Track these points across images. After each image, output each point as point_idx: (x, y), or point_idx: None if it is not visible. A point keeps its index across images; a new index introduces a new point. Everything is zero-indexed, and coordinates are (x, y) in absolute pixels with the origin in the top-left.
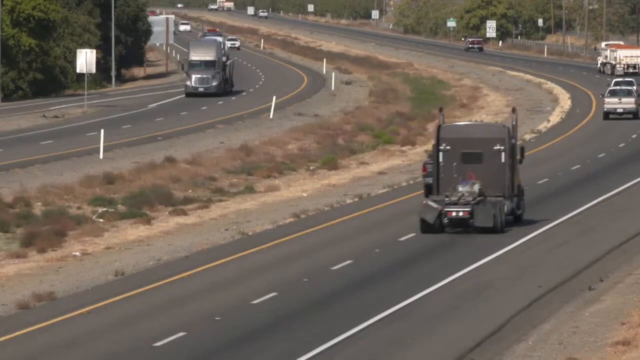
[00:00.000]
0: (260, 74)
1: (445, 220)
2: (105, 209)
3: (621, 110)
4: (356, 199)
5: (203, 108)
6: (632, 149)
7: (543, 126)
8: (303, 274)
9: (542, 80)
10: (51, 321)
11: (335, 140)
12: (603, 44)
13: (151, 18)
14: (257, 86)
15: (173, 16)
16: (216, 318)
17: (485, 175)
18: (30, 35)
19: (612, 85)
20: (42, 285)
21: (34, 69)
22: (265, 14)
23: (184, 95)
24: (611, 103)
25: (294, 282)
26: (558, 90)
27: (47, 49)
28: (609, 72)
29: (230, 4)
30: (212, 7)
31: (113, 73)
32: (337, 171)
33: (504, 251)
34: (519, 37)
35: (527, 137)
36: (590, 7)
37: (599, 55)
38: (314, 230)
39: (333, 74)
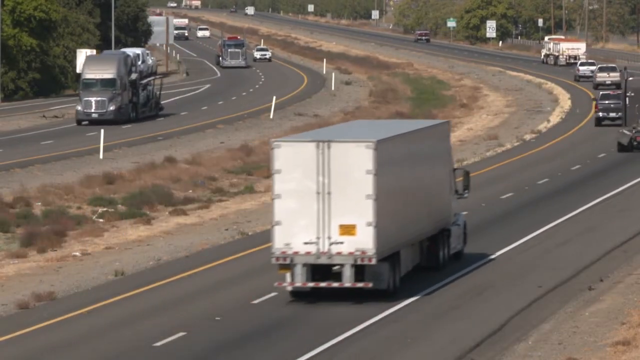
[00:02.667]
0: (260, 74)
1: (635, 143)
2: (105, 209)
3: (609, 82)
4: None
5: (203, 108)
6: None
7: (543, 126)
8: None
9: (542, 81)
10: (51, 321)
11: None
12: (546, 38)
13: (151, 18)
14: (257, 86)
15: (186, 20)
16: (216, 318)
17: None
18: (30, 35)
19: (578, 67)
20: (42, 285)
21: (33, 68)
22: (252, 11)
23: (183, 95)
24: (602, 77)
25: None
26: (558, 90)
27: (47, 49)
28: (552, 62)
29: (198, 3)
30: (172, 4)
31: None
32: None
33: (504, 251)
34: (519, 37)
35: (527, 137)
36: (590, 7)
37: (543, 47)
38: None
39: (333, 74)
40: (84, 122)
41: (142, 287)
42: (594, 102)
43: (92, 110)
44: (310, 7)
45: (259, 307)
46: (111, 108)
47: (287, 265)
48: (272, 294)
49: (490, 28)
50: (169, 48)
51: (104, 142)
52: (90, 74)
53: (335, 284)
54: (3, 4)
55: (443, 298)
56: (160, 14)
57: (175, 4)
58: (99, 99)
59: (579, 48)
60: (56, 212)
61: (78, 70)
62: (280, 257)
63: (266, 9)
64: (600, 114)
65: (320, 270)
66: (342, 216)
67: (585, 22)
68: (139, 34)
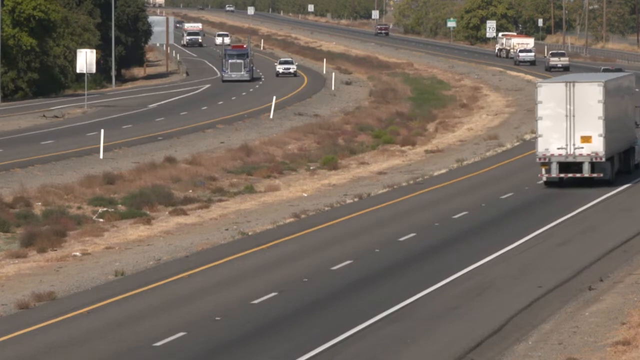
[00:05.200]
0: (261, 74)
1: None
2: (105, 209)
3: (560, 65)
4: (356, 199)
5: (203, 108)
6: None
7: None
8: (303, 274)
9: None
10: (51, 321)
11: (335, 140)
12: (500, 34)
13: (151, 18)
14: (257, 86)
15: (200, 25)
16: (216, 318)
17: None
18: (30, 35)
19: (518, 53)
20: (42, 285)
21: (33, 68)
22: (232, 8)
23: (183, 95)
24: (554, 61)
25: (294, 282)
26: None
27: (46, 49)
28: (504, 55)
29: (162, 0)
30: None
31: (113, 73)
32: (337, 171)
33: (504, 251)
34: None
35: (527, 137)
36: (590, 7)
37: (497, 43)
38: (314, 230)
39: (333, 74)
40: None
41: (142, 287)
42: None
43: None
44: (310, 7)
45: (259, 307)
46: None
47: (546, 163)
48: (272, 294)
49: (490, 28)
50: (169, 48)
51: (104, 142)
52: None
53: (578, 175)
54: (3, 3)
55: (443, 298)
56: (161, 14)
57: None
58: None
59: (527, 43)
60: (56, 212)
61: (78, 71)
62: (542, 157)
63: (266, 9)
64: None
65: (565, 167)
66: (582, 130)
67: (585, 22)
68: (139, 34)
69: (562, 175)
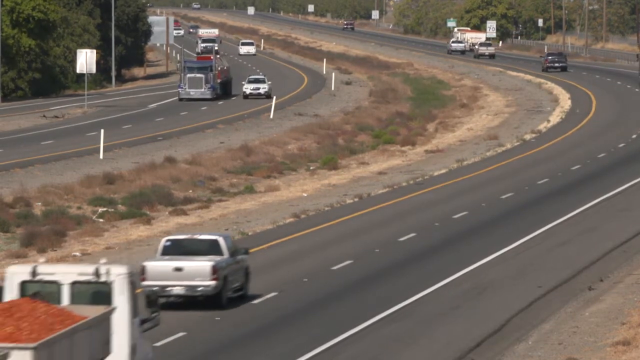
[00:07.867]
0: (260, 74)
1: None
2: (105, 209)
3: (487, 54)
4: (356, 199)
5: (203, 108)
6: (632, 149)
7: (543, 126)
8: (303, 274)
9: (542, 81)
10: None
11: (335, 140)
12: (456, 29)
13: (151, 18)
14: None
15: (216, 31)
16: (216, 318)
17: None
18: (29, 35)
19: (451, 44)
20: None
21: (33, 69)
22: (198, 5)
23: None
24: (482, 50)
25: (294, 282)
26: (558, 90)
27: (47, 49)
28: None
29: None
30: None
31: (113, 73)
32: (337, 171)
33: (504, 251)
34: (519, 38)
35: (527, 137)
36: (590, 7)
37: (452, 37)
38: (314, 230)
39: (333, 74)
40: None
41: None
42: (543, 58)
43: None
44: (310, 7)
45: (259, 306)
46: None
47: None
48: (273, 294)
49: (491, 28)
50: (169, 48)
51: (104, 142)
52: None
53: None
54: (2, 4)
55: (443, 298)
56: (161, 14)
57: None
58: None
59: (480, 38)
60: (56, 212)
61: (78, 71)
62: None
63: (266, 9)
64: (548, 65)
65: None
66: None
67: (585, 22)
68: (139, 34)
69: None
